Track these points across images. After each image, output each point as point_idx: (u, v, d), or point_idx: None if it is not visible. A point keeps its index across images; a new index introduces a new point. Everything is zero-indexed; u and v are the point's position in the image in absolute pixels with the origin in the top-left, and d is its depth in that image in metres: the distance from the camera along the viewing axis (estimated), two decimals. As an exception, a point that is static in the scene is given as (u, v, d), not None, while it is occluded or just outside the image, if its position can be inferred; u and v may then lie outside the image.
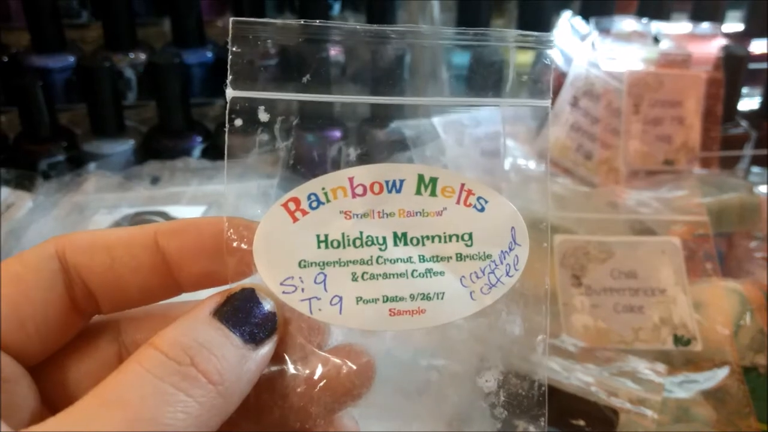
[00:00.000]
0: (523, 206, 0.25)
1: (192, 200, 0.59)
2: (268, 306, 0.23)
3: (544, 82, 0.25)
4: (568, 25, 0.69)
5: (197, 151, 0.66)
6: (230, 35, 0.23)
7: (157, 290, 0.24)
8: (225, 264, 0.23)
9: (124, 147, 0.65)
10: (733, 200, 0.59)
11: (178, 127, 0.66)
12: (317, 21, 0.24)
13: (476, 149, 0.55)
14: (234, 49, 0.23)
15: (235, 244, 0.23)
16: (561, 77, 0.65)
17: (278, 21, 0.24)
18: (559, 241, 0.52)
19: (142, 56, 0.70)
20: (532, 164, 0.61)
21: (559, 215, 0.54)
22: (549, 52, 0.25)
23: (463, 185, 0.25)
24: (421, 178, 0.24)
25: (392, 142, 0.57)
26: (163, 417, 0.19)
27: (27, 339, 0.22)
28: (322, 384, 0.24)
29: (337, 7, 0.78)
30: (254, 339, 0.22)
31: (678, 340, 0.49)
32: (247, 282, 0.23)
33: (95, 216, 0.57)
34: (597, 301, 0.50)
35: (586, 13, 0.72)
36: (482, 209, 0.25)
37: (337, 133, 0.63)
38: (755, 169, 0.68)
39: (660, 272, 0.52)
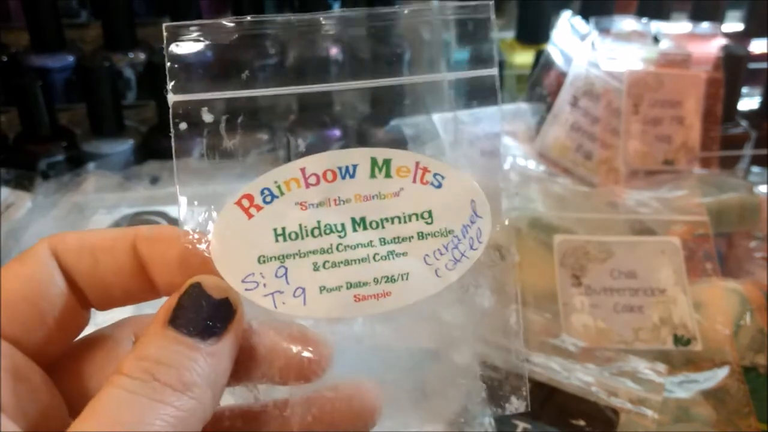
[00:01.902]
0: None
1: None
2: (216, 295, 0.22)
3: (485, 51, 0.25)
4: (568, 25, 0.69)
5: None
6: (164, 40, 0.23)
7: (138, 292, 0.25)
8: (188, 273, 0.23)
9: (123, 147, 0.65)
10: (733, 200, 0.59)
11: (178, 126, 0.66)
12: (248, 17, 0.24)
13: (475, 148, 0.55)
14: (170, 53, 0.23)
15: (190, 247, 0.23)
16: (561, 77, 0.65)
17: (210, 21, 0.24)
18: (558, 241, 0.52)
19: (142, 56, 0.70)
20: (531, 164, 0.61)
21: (559, 215, 0.54)
22: (490, 19, 0.25)
23: (417, 163, 0.24)
24: (374, 161, 0.24)
25: (392, 141, 0.57)
26: (145, 419, 0.19)
27: (49, 334, 0.23)
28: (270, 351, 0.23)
29: (336, 6, 0.78)
30: (213, 333, 0.22)
31: (678, 340, 0.49)
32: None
33: (95, 216, 0.57)
34: (597, 301, 0.50)
35: (586, 13, 0.72)
36: (440, 185, 0.25)
37: (337, 132, 0.63)
38: (755, 169, 0.68)
39: (660, 272, 0.52)
